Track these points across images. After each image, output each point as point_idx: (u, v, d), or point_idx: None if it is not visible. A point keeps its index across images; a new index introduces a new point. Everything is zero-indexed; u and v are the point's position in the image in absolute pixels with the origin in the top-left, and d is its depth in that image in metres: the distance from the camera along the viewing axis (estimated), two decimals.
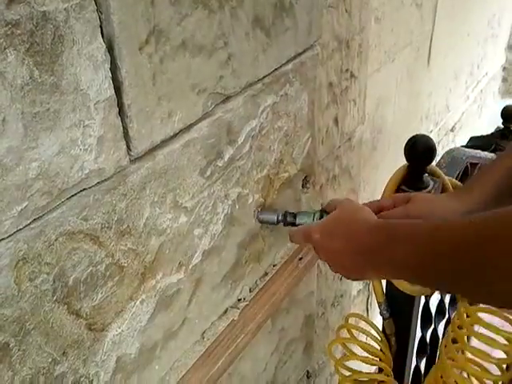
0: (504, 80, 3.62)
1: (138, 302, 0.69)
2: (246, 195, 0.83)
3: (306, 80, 0.86)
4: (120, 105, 0.56)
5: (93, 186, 0.57)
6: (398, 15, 1.63)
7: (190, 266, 0.77)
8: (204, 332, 0.84)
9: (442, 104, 2.55)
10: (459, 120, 2.87)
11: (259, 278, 0.95)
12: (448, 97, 2.60)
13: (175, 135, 0.65)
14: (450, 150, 1.05)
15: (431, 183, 0.88)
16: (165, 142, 0.64)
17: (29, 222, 0.52)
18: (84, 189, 0.56)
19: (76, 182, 0.55)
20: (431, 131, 2.48)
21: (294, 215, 0.86)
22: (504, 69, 3.63)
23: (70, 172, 0.54)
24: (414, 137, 0.86)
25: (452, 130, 2.84)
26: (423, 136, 0.85)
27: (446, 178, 0.93)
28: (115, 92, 0.55)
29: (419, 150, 0.83)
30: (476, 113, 3.20)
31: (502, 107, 1.62)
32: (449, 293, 0.67)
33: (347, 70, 1.22)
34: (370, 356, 1.13)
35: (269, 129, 0.83)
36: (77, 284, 0.60)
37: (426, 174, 0.89)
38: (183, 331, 0.79)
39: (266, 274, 0.95)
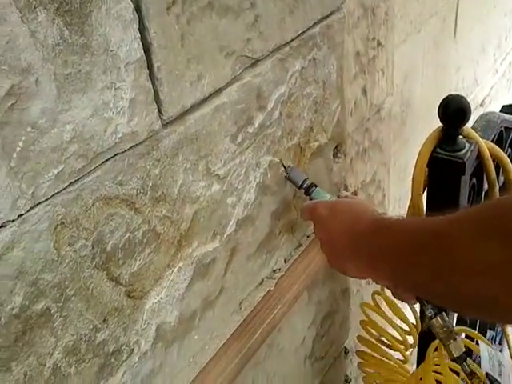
0: None
1: (175, 269, 0.70)
2: (278, 163, 0.83)
3: (333, 44, 0.85)
4: (150, 67, 0.56)
5: (126, 150, 0.57)
6: None
7: (225, 235, 0.77)
8: (241, 302, 0.84)
9: (471, 78, 2.49)
10: (488, 94, 2.79)
11: (293, 248, 0.94)
12: (476, 70, 2.53)
13: (205, 99, 0.65)
14: (484, 113, 1.02)
15: (467, 145, 0.86)
16: (195, 107, 0.64)
17: (66, 185, 0.52)
18: (118, 153, 0.56)
19: (110, 145, 0.55)
20: None
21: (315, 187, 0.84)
22: None
23: (104, 135, 0.54)
24: (446, 97, 0.83)
25: (481, 105, 2.78)
26: (456, 96, 0.82)
27: (482, 140, 0.91)
28: (144, 53, 0.55)
29: (452, 109, 0.81)
30: (505, 86, 3.12)
31: (490, 111, 1.56)
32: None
33: (374, 39, 1.19)
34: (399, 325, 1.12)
35: (298, 95, 0.82)
36: (115, 250, 0.60)
37: (461, 137, 0.86)
38: (220, 301, 0.79)
39: (300, 244, 0.95)
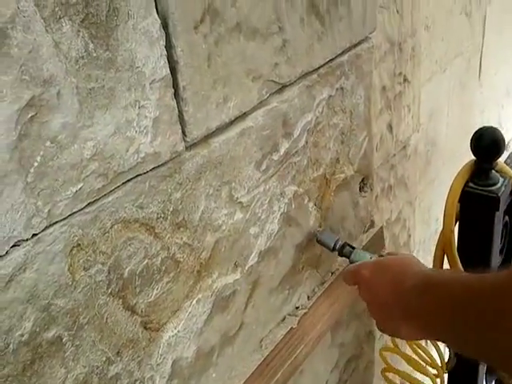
0: None
1: (194, 301, 0.66)
2: (303, 194, 0.80)
3: (361, 74, 0.83)
4: (175, 86, 0.55)
5: (149, 171, 0.55)
6: (447, 24, 1.58)
7: (246, 267, 0.73)
8: (262, 340, 0.79)
9: (495, 121, 2.46)
10: None
11: (317, 285, 0.90)
12: (500, 113, 2.50)
13: (231, 123, 0.63)
14: None
15: (500, 180, 0.82)
16: (220, 129, 0.62)
17: (84, 205, 0.50)
18: (139, 174, 0.54)
19: (132, 165, 0.53)
20: None
21: (352, 249, 0.81)
22: None
23: (126, 154, 0.52)
24: (480, 129, 0.80)
25: (506, 149, 2.73)
26: (490, 128, 0.79)
27: None
28: (171, 71, 0.53)
29: (486, 142, 0.78)
30: None
31: None
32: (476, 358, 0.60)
33: (400, 74, 1.18)
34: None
35: (324, 124, 0.80)
36: (132, 277, 0.57)
37: (494, 171, 0.83)
38: (240, 337, 0.75)
39: (324, 281, 0.90)
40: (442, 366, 1.07)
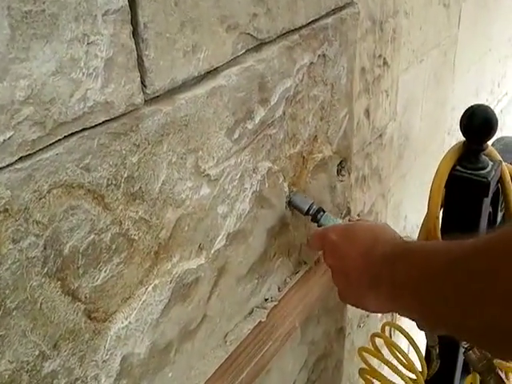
0: None
1: (149, 287, 0.56)
2: (277, 172, 0.71)
3: (345, 42, 0.75)
4: (134, 22, 0.45)
5: (98, 125, 0.45)
6: (426, 12, 1.53)
7: (212, 251, 0.64)
8: (226, 334, 0.70)
9: None
10: None
11: (289, 275, 0.81)
12: None
13: (200, 78, 0.54)
14: (500, 137, 0.93)
15: (490, 164, 0.76)
16: (187, 84, 0.53)
17: (14, 159, 0.40)
18: (86, 127, 0.44)
19: (77, 115, 0.43)
20: None
21: (324, 213, 0.73)
22: None
23: (70, 101, 0.42)
24: (471, 107, 0.74)
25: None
26: (482, 105, 0.73)
27: (504, 163, 0.81)
28: (129, 3, 0.44)
29: (478, 121, 0.72)
30: (496, 134, 3.08)
31: (506, 135, 1.50)
32: (452, 333, 0.53)
33: (380, 56, 1.11)
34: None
35: (304, 95, 0.71)
36: (74, 255, 0.47)
37: (484, 155, 0.77)
38: (202, 331, 0.66)
39: (297, 271, 0.82)
40: (422, 372, 1.00)
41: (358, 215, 0.93)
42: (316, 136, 0.77)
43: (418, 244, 0.54)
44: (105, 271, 0.51)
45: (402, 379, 1.01)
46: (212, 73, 0.55)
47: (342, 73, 0.77)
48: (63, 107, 0.42)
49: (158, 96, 0.50)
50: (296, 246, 0.80)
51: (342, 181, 0.87)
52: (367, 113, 1.13)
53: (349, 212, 0.92)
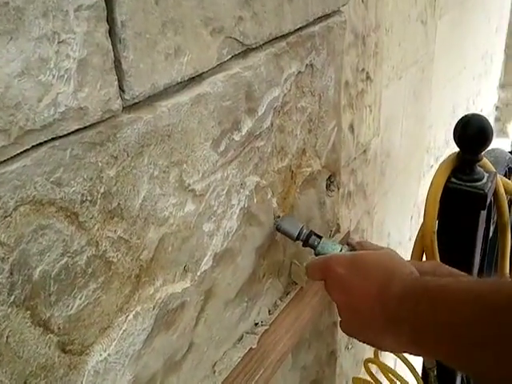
0: (497, 119, 3.56)
1: (130, 315, 0.51)
2: (266, 187, 0.67)
3: (333, 52, 0.72)
4: (111, 20, 0.41)
5: (71, 133, 0.40)
6: (404, 29, 1.53)
7: (198, 273, 0.59)
8: (215, 364, 0.65)
9: (442, 138, 2.45)
10: None
11: (279, 297, 0.76)
12: (447, 131, 2.50)
13: (183, 84, 0.50)
14: (491, 149, 0.91)
15: (485, 175, 0.73)
16: (170, 91, 0.48)
17: None
18: (58, 136, 0.40)
19: (46, 121, 0.38)
20: (432, 166, 2.36)
21: (320, 239, 0.69)
22: (497, 108, 3.59)
23: (38, 106, 0.37)
24: (465, 116, 0.71)
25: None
26: (476, 115, 0.70)
27: (498, 175, 0.78)
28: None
29: (473, 130, 0.69)
30: None
31: (495, 147, 1.49)
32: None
33: (363, 70, 1.09)
34: None
35: (292, 106, 0.67)
36: (45, 280, 0.42)
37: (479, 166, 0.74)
38: (189, 361, 0.60)
39: (287, 292, 0.77)
40: None
41: (348, 232, 0.89)
42: (304, 149, 0.74)
43: (441, 283, 0.49)
44: (80, 298, 0.45)
45: None
46: (196, 79, 0.51)
47: (330, 83, 0.74)
48: (31, 113, 0.37)
49: (137, 103, 0.45)
50: (285, 265, 0.76)
51: (330, 196, 0.83)
52: (351, 128, 1.10)
53: (338, 229, 0.89)
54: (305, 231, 0.69)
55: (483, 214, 0.72)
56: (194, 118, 0.51)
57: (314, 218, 0.80)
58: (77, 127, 0.40)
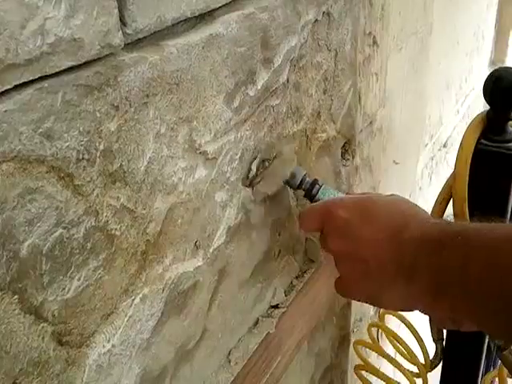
0: None
1: (137, 298, 0.44)
2: (280, 153, 0.59)
3: (350, 1, 0.65)
4: None
5: (63, 72, 0.32)
6: None
7: (211, 250, 0.51)
8: (230, 352, 0.58)
9: (436, 116, 2.39)
10: (451, 135, 2.71)
11: (295, 276, 0.69)
12: (441, 108, 2.44)
13: (194, 22, 0.42)
14: None
15: None
16: (178, 29, 0.40)
17: None
18: (47, 75, 0.32)
19: (32, 54, 0.30)
20: (427, 145, 2.31)
21: (320, 186, 0.60)
22: None
23: (21, 33, 0.29)
24: (496, 70, 0.64)
25: (445, 146, 2.68)
26: (508, 69, 0.63)
27: None
28: None
29: (505, 85, 0.62)
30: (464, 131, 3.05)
31: None
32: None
33: (370, 34, 1.01)
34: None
35: (308, 60, 0.60)
36: (36, 258, 0.34)
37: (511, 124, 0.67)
38: (202, 350, 0.53)
39: (304, 272, 0.70)
40: (425, 364, 0.90)
41: None
42: (319, 112, 0.66)
43: (473, 226, 0.42)
44: (78, 279, 0.38)
45: (403, 374, 0.90)
46: (207, 19, 0.43)
47: (347, 37, 0.66)
48: (12, 42, 0.29)
49: (141, 40, 0.37)
50: (301, 241, 0.69)
51: (346, 165, 0.76)
52: (358, 96, 1.03)
53: None
54: (308, 179, 0.60)
55: None
56: (205, 64, 0.43)
57: None
58: (70, 64, 0.32)
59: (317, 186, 0.60)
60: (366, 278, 0.47)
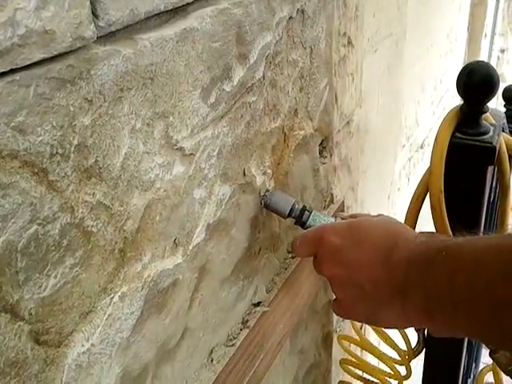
0: None
1: (116, 296, 0.43)
2: (258, 150, 0.59)
3: None
4: None
5: (35, 64, 0.32)
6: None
7: (190, 247, 0.51)
8: (212, 350, 0.57)
9: (412, 117, 2.42)
10: (427, 136, 2.75)
11: (275, 273, 0.69)
12: (417, 110, 2.47)
13: (167, 17, 0.42)
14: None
15: (491, 128, 0.68)
16: (152, 23, 0.40)
17: None
18: (18, 68, 0.31)
19: (2, 46, 0.30)
20: (404, 146, 2.33)
21: (310, 212, 0.61)
22: None
23: None
24: (470, 63, 0.65)
25: (421, 147, 2.72)
26: (481, 62, 0.64)
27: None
28: None
29: (478, 79, 0.63)
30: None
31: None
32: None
33: (345, 34, 1.02)
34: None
35: (283, 57, 0.60)
36: (11, 255, 0.33)
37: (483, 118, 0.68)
38: (184, 349, 0.52)
39: (285, 268, 0.70)
40: (407, 352, 0.91)
41: (343, 203, 0.83)
42: (296, 110, 0.66)
43: (456, 241, 0.43)
44: (55, 277, 0.37)
45: (386, 363, 0.91)
46: (182, 11, 0.43)
47: (321, 35, 0.67)
48: None
49: (114, 33, 0.37)
50: (281, 238, 0.69)
51: (323, 163, 0.76)
52: (335, 97, 1.04)
53: (332, 199, 0.82)
54: (297, 206, 0.61)
55: (491, 169, 0.66)
56: (180, 58, 0.43)
57: (308, 187, 0.74)
58: (42, 56, 0.32)
59: (306, 213, 0.61)
60: (362, 301, 0.49)
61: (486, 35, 3.17)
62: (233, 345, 0.59)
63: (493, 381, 0.96)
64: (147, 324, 0.47)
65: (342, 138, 1.16)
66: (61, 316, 0.38)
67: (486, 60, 3.18)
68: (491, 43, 3.20)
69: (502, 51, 3.47)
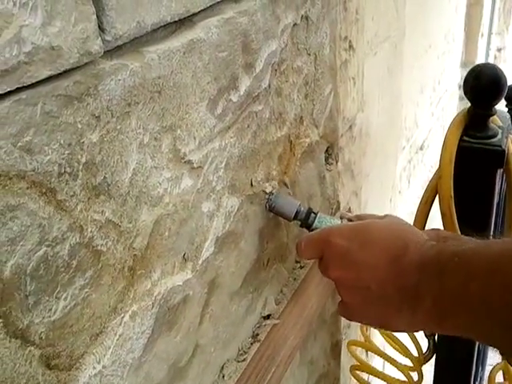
0: (461, 98, 3.58)
1: (126, 316, 0.42)
2: (265, 160, 0.58)
3: (328, 4, 0.64)
4: None
5: (41, 82, 0.31)
6: (377, 2, 1.47)
7: (200, 261, 0.50)
8: (223, 366, 0.56)
9: (412, 119, 2.42)
10: (427, 138, 2.75)
11: (284, 284, 0.68)
12: (416, 111, 2.47)
13: (174, 28, 0.41)
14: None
15: (499, 132, 0.67)
16: (158, 34, 0.39)
17: None
18: (25, 86, 0.30)
19: (8, 64, 0.29)
20: (404, 147, 2.33)
21: (315, 214, 0.60)
22: (460, 87, 3.60)
23: None
24: (477, 66, 0.64)
25: (421, 148, 2.71)
26: (488, 64, 0.63)
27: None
28: None
29: (486, 81, 0.62)
30: (440, 132, 3.10)
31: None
32: None
33: (346, 38, 1.02)
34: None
35: (288, 65, 0.59)
36: (20, 278, 0.32)
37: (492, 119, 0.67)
38: (195, 366, 0.51)
39: (294, 279, 0.69)
40: (418, 358, 0.90)
41: (350, 209, 0.82)
42: (302, 117, 0.65)
43: (470, 245, 0.42)
44: (65, 299, 0.36)
45: (397, 368, 0.90)
46: (187, 24, 0.42)
47: (325, 41, 0.66)
48: None
49: (121, 46, 0.36)
50: (290, 248, 0.68)
51: (329, 170, 0.75)
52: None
53: (338, 206, 0.81)
54: (302, 209, 0.60)
55: (500, 172, 0.66)
56: (187, 70, 0.42)
57: (315, 195, 0.73)
58: (48, 74, 0.31)
59: (312, 215, 0.60)
60: (369, 303, 0.47)
61: (482, 35, 3.17)
62: (244, 359, 0.58)
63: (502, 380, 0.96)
64: (158, 342, 0.46)
65: (345, 142, 1.15)
66: (71, 339, 0.37)
67: (483, 59, 3.18)
68: (488, 42, 3.20)
69: (499, 50, 3.47)
